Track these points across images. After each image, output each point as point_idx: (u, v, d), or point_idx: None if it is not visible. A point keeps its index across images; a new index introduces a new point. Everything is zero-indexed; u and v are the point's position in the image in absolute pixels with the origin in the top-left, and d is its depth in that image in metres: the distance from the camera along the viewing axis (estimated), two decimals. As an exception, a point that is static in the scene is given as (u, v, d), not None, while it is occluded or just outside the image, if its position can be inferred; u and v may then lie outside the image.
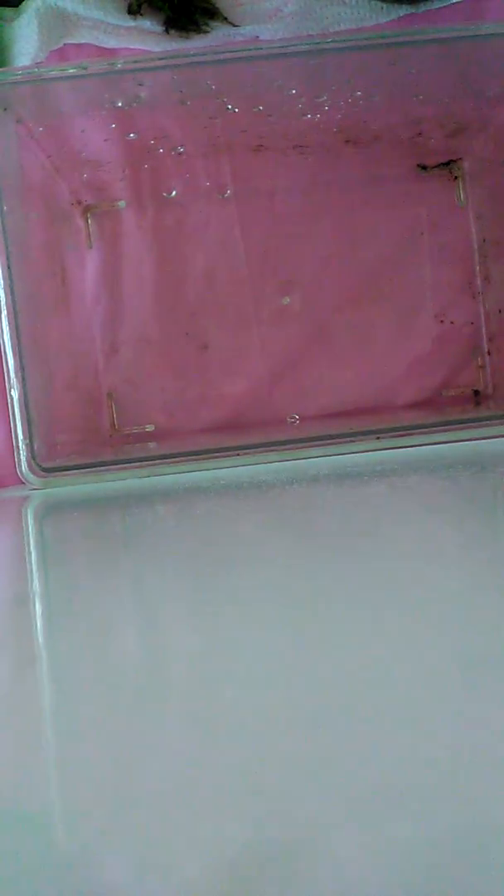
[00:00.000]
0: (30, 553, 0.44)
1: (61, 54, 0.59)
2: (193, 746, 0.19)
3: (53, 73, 0.53)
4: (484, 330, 0.70)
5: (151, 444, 0.68)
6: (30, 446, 0.56)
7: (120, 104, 0.57)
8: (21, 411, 0.56)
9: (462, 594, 0.28)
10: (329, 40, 0.53)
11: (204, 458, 0.57)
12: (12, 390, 0.56)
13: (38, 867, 0.15)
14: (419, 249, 0.69)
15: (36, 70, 0.54)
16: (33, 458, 0.56)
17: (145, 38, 0.59)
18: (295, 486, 0.51)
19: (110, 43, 0.59)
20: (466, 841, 0.15)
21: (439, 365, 0.70)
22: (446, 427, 0.57)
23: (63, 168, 0.64)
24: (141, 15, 0.59)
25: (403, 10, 0.60)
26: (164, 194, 0.68)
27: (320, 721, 0.19)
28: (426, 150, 0.68)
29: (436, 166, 0.69)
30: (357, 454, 0.56)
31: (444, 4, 0.60)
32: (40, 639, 0.28)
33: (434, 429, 0.57)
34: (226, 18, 0.59)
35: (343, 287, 0.69)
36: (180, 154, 0.65)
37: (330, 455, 0.56)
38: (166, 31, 0.59)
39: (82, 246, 0.68)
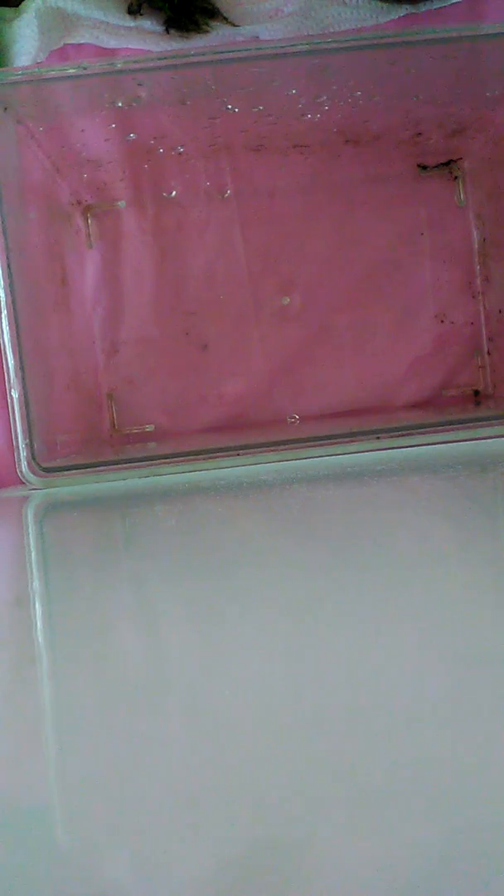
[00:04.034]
0: (30, 553, 0.44)
1: (61, 54, 0.59)
2: (193, 746, 0.19)
3: (53, 73, 0.53)
4: (484, 330, 0.70)
5: (151, 444, 0.68)
6: (30, 446, 0.56)
7: (120, 104, 0.57)
8: (21, 411, 0.56)
9: (462, 594, 0.28)
10: (329, 40, 0.53)
11: (204, 458, 0.57)
12: (12, 390, 0.56)
13: (38, 867, 0.15)
14: (419, 249, 0.69)
15: (36, 70, 0.54)
16: (33, 458, 0.56)
17: (145, 38, 0.59)
18: (295, 486, 0.51)
19: (110, 43, 0.59)
20: (466, 841, 0.15)
21: (439, 365, 0.70)
22: (446, 427, 0.57)
23: (63, 168, 0.64)
24: (141, 15, 0.59)
25: (403, 10, 0.60)
26: (164, 194, 0.68)
27: (320, 721, 0.19)
28: (426, 150, 0.68)
29: (436, 166, 0.69)
30: (357, 454, 0.56)
31: (444, 4, 0.60)
32: (40, 639, 0.28)
33: (434, 429, 0.57)
34: (226, 18, 0.59)
35: (343, 287, 0.69)
36: (180, 154, 0.65)
37: (330, 455, 0.56)
38: (166, 31, 0.59)
39: (82, 246, 0.68)
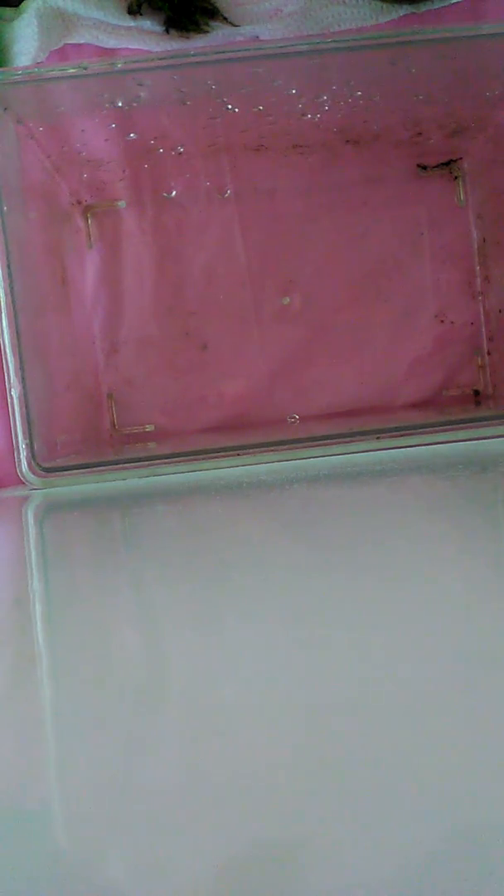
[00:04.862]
0: (30, 553, 0.44)
1: (61, 54, 0.59)
2: (193, 746, 0.19)
3: (53, 73, 0.53)
4: (484, 330, 0.70)
5: (151, 444, 0.68)
6: (30, 446, 0.56)
7: (120, 104, 0.57)
8: (21, 411, 0.56)
9: (463, 594, 0.28)
10: (329, 40, 0.53)
11: (204, 458, 0.57)
12: (12, 390, 0.56)
13: (38, 867, 0.15)
14: (419, 249, 0.69)
15: (36, 70, 0.54)
16: (33, 458, 0.56)
17: (145, 38, 0.59)
18: (295, 486, 0.51)
19: (110, 43, 0.59)
20: (467, 841, 0.15)
21: (439, 365, 0.70)
22: (446, 427, 0.57)
23: (63, 168, 0.64)
24: (141, 15, 0.59)
25: (403, 10, 0.60)
26: (164, 194, 0.68)
27: (320, 721, 0.19)
28: (426, 150, 0.68)
29: (436, 166, 0.69)
30: (357, 454, 0.56)
31: (444, 4, 0.60)
32: (40, 639, 0.28)
33: (434, 429, 0.57)
34: (226, 18, 0.59)
35: (343, 287, 0.69)
36: (180, 154, 0.65)
37: (330, 455, 0.56)
38: (166, 31, 0.59)
39: (82, 246, 0.68)
